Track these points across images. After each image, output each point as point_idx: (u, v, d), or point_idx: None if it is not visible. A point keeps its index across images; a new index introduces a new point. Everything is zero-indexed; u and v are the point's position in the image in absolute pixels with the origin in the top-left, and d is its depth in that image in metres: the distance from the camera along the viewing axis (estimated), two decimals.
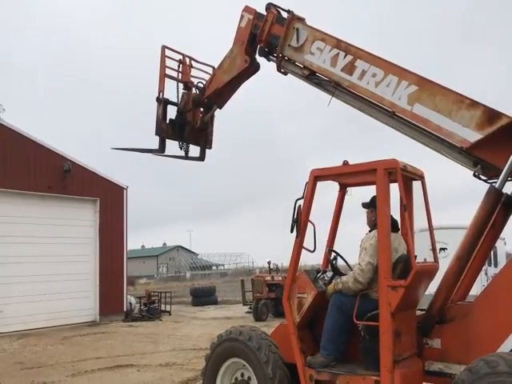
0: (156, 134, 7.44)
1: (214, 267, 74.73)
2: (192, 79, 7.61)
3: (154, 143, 7.53)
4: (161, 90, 7.44)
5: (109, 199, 18.76)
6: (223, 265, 76.09)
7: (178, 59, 7.62)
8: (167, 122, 7.49)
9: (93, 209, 18.38)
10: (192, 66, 7.74)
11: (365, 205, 5.37)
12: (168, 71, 7.49)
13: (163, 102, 7.43)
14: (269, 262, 20.72)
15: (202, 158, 7.85)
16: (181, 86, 7.62)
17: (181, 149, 7.67)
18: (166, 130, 7.44)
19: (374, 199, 5.17)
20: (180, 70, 7.62)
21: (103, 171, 18.95)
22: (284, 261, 26.40)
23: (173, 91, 7.60)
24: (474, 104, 5.00)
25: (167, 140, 7.54)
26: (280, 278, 18.35)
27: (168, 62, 7.49)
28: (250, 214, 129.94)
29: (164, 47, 7.43)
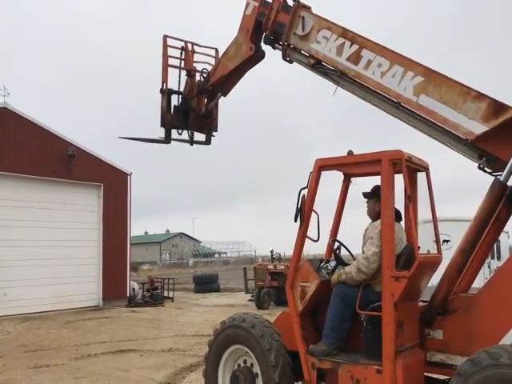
0: (161, 126, 7.49)
1: (216, 255, 74.94)
2: (195, 65, 7.59)
3: (160, 131, 7.59)
4: (164, 80, 7.44)
5: (113, 185, 18.80)
6: (225, 253, 76.34)
7: (180, 46, 7.58)
8: (172, 109, 7.50)
9: (97, 194, 18.45)
10: (194, 52, 7.71)
11: (366, 195, 5.32)
12: (171, 61, 7.46)
13: (167, 93, 7.44)
14: (271, 251, 20.80)
15: (208, 141, 7.88)
16: (183, 72, 7.59)
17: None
18: (170, 120, 7.46)
19: (375, 189, 5.16)
20: (183, 57, 7.61)
21: (107, 157, 19.03)
22: (286, 250, 26.51)
23: (177, 79, 7.60)
24: (479, 96, 4.97)
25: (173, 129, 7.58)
26: (282, 267, 18.39)
27: (170, 51, 7.47)
28: (253, 202, 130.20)
29: (165, 37, 7.40)
